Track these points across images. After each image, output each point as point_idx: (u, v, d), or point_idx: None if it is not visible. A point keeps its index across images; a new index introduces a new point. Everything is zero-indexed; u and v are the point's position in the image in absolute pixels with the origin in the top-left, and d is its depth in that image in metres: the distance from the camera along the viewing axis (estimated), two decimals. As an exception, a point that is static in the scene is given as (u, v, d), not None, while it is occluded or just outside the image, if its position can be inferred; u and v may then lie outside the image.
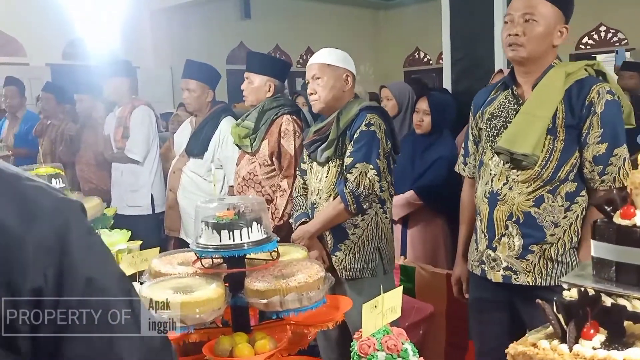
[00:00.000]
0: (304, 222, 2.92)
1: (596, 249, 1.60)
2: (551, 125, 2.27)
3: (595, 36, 9.25)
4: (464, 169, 2.68)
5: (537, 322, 2.18)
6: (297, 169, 3.14)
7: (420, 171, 3.60)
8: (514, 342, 2.20)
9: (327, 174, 2.87)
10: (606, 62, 9.00)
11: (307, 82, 2.95)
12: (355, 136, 2.76)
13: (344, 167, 2.79)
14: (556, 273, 2.30)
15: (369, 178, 2.71)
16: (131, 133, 4.67)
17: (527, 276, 2.33)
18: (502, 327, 2.47)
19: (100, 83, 4.95)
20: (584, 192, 2.31)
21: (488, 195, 2.40)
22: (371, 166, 2.72)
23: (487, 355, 2.56)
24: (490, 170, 2.41)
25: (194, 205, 4.07)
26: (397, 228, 3.65)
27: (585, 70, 2.34)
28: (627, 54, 8.49)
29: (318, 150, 2.89)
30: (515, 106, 2.38)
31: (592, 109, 2.22)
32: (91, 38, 6.79)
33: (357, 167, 2.73)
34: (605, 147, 2.22)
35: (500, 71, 3.83)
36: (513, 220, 2.33)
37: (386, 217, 2.88)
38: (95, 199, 3.23)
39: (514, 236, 2.34)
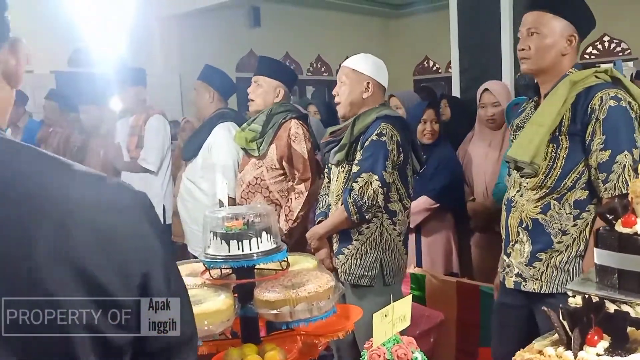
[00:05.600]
0: (321, 222, 2.96)
1: (599, 256, 1.62)
2: (557, 133, 2.28)
3: (600, 46, 9.26)
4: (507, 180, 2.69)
5: (548, 328, 2.20)
6: (326, 167, 3.14)
7: (427, 176, 3.59)
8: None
9: (337, 177, 2.90)
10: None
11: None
12: (365, 144, 2.76)
13: (351, 175, 2.80)
14: (559, 281, 2.32)
15: (373, 189, 2.71)
16: (146, 142, 4.59)
17: (535, 283, 2.36)
18: (518, 332, 2.47)
19: (107, 91, 4.85)
20: (595, 200, 2.28)
21: (506, 203, 2.47)
22: (376, 177, 2.71)
23: (503, 359, 2.57)
24: (511, 179, 2.47)
25: (188, 213, 4.08)
26: (410, 237, 3.62)
27: (597, 77, 2.32)
28: (630, 64, 8.45)
29: (331, 152, 2.91)
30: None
31: (594, 115, 2.21)
32: (98, 45, 6.67)
33: (362, 177, 2.73)
34: (609, 154, 2.18)
35: None
36: (523, 227, 2.36)
37: (394, 229, 2.84)
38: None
39: (524, 243, 2.37)
